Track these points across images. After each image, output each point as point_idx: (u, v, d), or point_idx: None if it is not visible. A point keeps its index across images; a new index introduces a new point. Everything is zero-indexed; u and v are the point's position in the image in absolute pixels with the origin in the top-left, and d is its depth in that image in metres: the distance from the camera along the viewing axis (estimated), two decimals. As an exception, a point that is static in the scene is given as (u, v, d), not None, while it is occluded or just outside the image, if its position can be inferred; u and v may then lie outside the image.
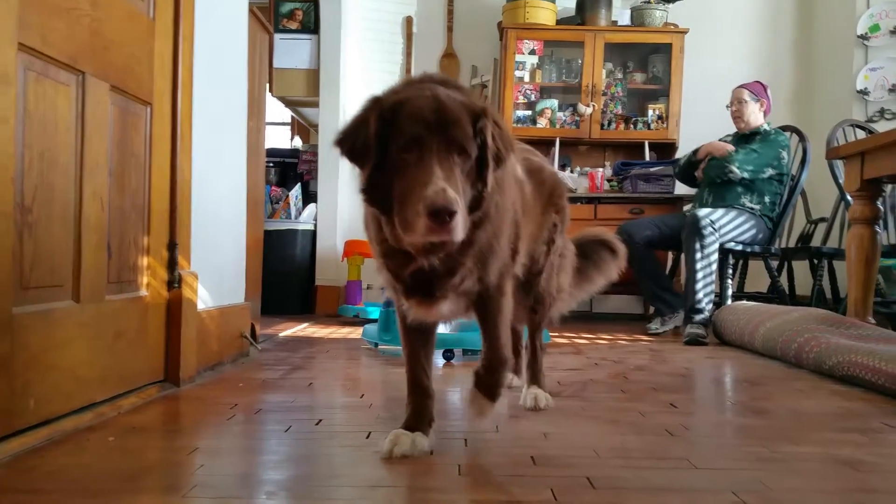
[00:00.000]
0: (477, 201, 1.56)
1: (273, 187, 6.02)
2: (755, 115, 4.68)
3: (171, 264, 2.51)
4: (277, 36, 5.92)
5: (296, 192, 5.91)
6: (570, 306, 2.50)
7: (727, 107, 4.80)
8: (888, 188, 4.32)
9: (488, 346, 1.80)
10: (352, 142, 1.55)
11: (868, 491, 1.49)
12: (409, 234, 1.44)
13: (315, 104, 6.05)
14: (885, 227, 4.40)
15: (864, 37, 5.41)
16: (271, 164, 6.37)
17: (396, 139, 1.48)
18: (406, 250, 1.55)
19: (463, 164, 1.50)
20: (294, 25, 6.03)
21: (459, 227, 1.40)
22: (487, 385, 1.78)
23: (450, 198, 1.37)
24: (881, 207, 3.44)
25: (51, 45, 1.83)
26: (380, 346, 3.49)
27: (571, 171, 5.87)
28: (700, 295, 4.29)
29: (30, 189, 1.77)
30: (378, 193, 1.53)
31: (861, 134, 4.68)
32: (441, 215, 1.36)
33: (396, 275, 1.64)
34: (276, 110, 7.19)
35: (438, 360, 3.20)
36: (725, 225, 4.38)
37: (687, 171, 4.87)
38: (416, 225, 1.40)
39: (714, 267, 4.34)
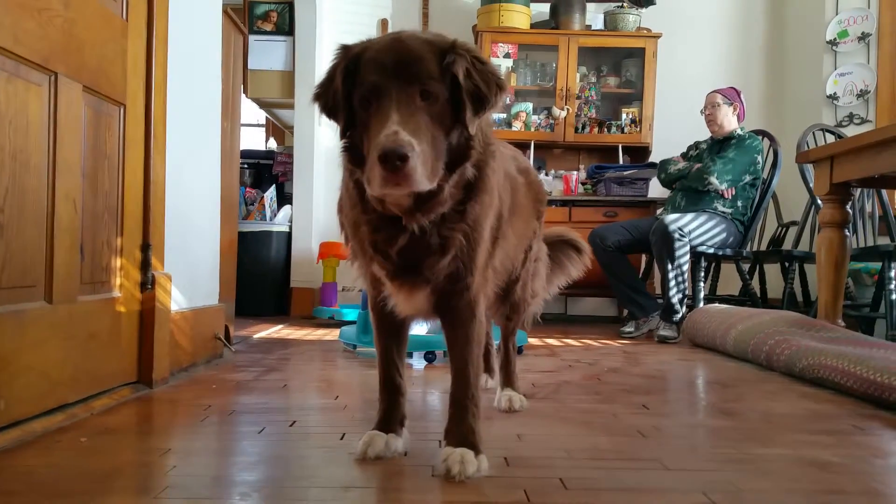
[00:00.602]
0: (461, 151, 1.46)
1: (248, 189, 5.99)
2: (729, 119, 4.74)
3: (145, 265, 2.50)
4: (252, 37, 5.90)
5: (271, 193, 5.89)
6: (541, 307, 2.50)
7: (701, 111, 4.85)
8: (857, 192, 4.39)
9: (459, 384, 1.65)
10: (325, 98, 1.49)
11: (836, 492, 1.51)
12: (371, 189, 1.36)
13: (290, 106, 6.03)
14: (855, 231, 4.47)
15: (833, 42, 5.49)
16: (246, 166, 6.34)
17: (358, 88, 1.41)
18: (395, 223, 1.47)
19: (430, 108, 1.39)
20: (269, 27, 6.02)
21: (418, 173, 1.30)
22: (462, 434, 1.61)
23: (401, 140, 1.28)
24: (850, 211, 3.49)
25: (23, 44, 1.82)
26: (358, 349, 3.48)
27: (546, 174, 5.89)
28: (674, 299, 4.40)
29: (1, 190, 1.75)
30: (356, 154, 1.46)
31: (831, 138, 4.75)
32: (390, 160, 1.27)
33: (384, 253, 1.54)
34: (250, 112, 7.17)
35: (419, 362, 3.20)
36: (695, 230, 4.44)
37: (675, 180, 4.90)
38: (373, 176, 1.32)
39: (685, 269, 4.42)
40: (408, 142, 1.29)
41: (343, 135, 1.48)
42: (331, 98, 1.47)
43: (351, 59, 1.45)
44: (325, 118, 1.53)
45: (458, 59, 1.43)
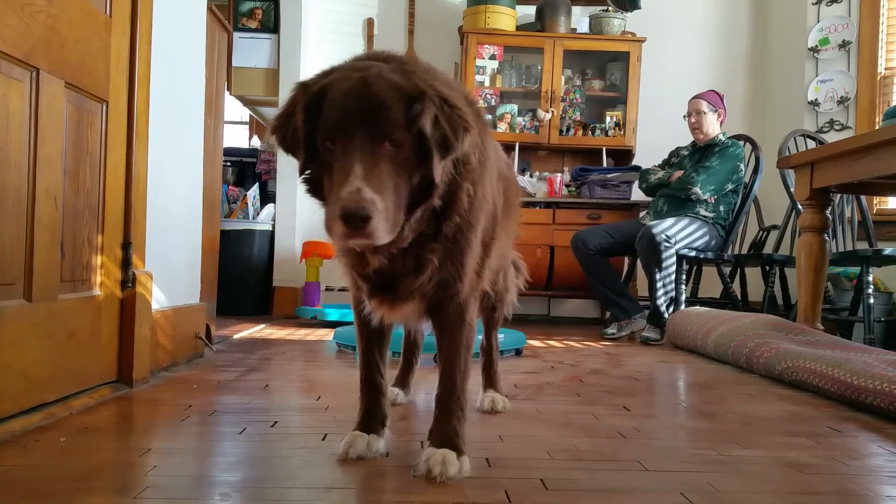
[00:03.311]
0: (424, 192, 1.41)
1: (230, 187, 5.97)
2: (713, 126, 4.77)
3: (125, 264, 2.48)
4: (237, 35, 5.88)
5: (254, 192, 5.86)
6: (516, 296, 2.48)
7: (684, 117, 4.87)
8: (836, 197, 4.44)
9: (445, 387, 1.65)
10: (283, 133, 1.43)
11: (812, 493, 1.53)
12: (331, 237, 1.33)
13: (274, 104, 6.02)
14: (834, 236, 4.51)
15: (814, 49, 5.54)
16: (229, 164, 6.31)
17: (321, 130, 1.36)
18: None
19: (396, 155, 1.34)
20: (254, 24, 5.99)
21: (380, 230, 1.28)
22: (446, 435, 1.61)
23: (363, 200, 1.25)
24: (830, 216, 3.52)
25: (4, 40, 1.80)
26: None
27: (531, 176, 5.91)
28: (660, 302, 4.45)
29: (-19, 186, 1.74)
30: (317, 185, 1.44)
31: (811, 144, 4.79)
32: (352, 221, 1.25)
33: (359, 273, 1.56)
34: (234, 109, 7.13)
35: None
36: (678, 233, 4.47)
37: (656, 188, 4.93)
38: (333, 228, 1.29)
39: (672, 275, 4.47)
40: (370, 200, 1.26)
41: (302, 171, 1.44)
42: (290, 134, 1.42)
43: (311, 97, 1.39)
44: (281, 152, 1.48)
45: (426, 108, 1.36)
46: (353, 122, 1.33)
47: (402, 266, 1.51)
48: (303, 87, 1.43)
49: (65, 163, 2.11)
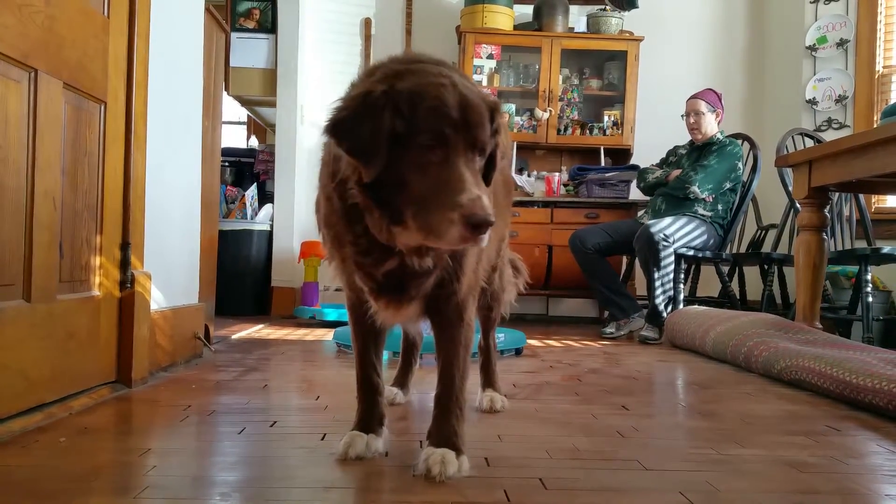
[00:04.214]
0: None
1: (228, 187, 5.97)
2: (711, 126, 4.78)
3: (124, 264, 2.48)
4: (234, 35, 5.87)
5: (252, 192, 5.86)
6: (514, 296, 2.48)
7: (682, 116, 4.87)
8: (835, 196, 4.44)
9: (444, 386, 1.66)
10: (355, 136, 1.37)
11: (810, 492, 1.53)
12: (434, 240, 1.34)
13: (272, 104, 6.01)
14: (832, 235, 4.51)
15: (812, 48, 5.55)
16: (227, 164, 6.31)
17: (416, 136, 1.34)
18: (387, 248, 1.45)
19: (479, 163, 1.42)
20: (251, 24, 5.99)
21: (488, 235, 1.33)
22: (445, 435, 1.61)
23: (488, 209, 1.29)
24: (828, 215, 3.52)
25: (2, 40, 1.80)
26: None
27: (528, 175, 5.92)
28: (659, 301, 4.46)
29: (-21, 187, 1.74)
30: (383, 191, 1.38)
31: (809, 142, 4.79)
32: (482, 227, 1.29)
33: (369, 273, 1.54)
34: (232, 109, 7.13)
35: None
36: (676, 232, 4.47)
37: (654, 188, 4.93)
38: (446, 232, 1.30)
39: (671, 275, 4.47)
40: (490, 209, 1.30)
41: (373, 175, 1.36)
42: (367, 137, 1.35)
43: (402, 102, 1.36)
44: (347, 155, 1.39)
45: (502, 124, 1.45)
46: (457, 130, 1.35)
47: (415, 268, 1.50)
48: (388, 93, 1.37)
49: (63, 163, 2.11)
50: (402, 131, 1.35)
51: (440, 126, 1.34)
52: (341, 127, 1.39)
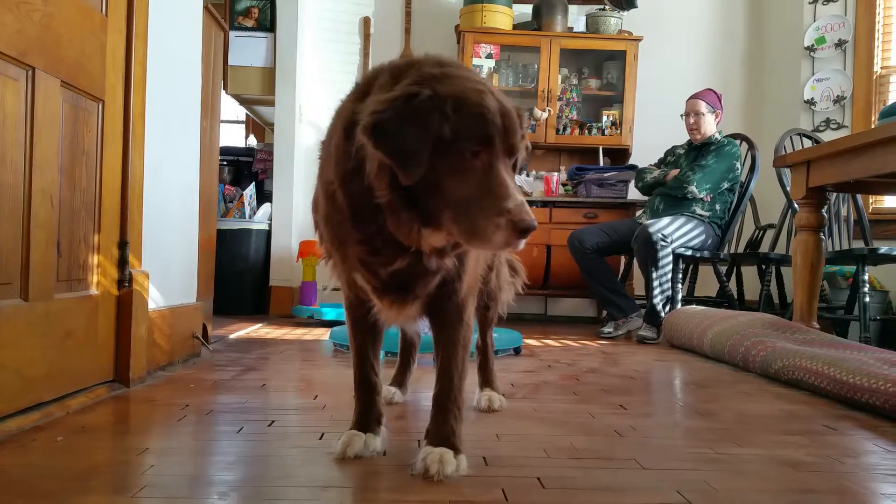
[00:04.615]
0: None
1: (227, 186, 5.96)
2: (710, 126, 4.78)
3: (122, 263, 2.48)
4: (233, 33, 5.86)
5: (250, 191, 5.86)
6: (511, 296, 2.48)
7: (681, 116, 4.87)
8: (832, 196, 4.45)
9: (442, 385, 1.66)
10: (399, 140, 1.33)
11: (808, 491, 1.53)
12: (477, 243, 1.36)
13: (270, 103, 6.00)
14: (830, 235, 4.52)
15: (810, 48, 5.55)
16: (225, 163, 6.30)
17: (460, 141, 1.34)
18: (399, 247, 1.44)
19: (511, 167, 1.46)
20: (250, 23, 5.98)
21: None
22: (443, 434, 1.61)
23: (532, 215, 1.32)
24: (826, 215, 3.53)
25: (0, 38, 1.80)
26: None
27: (527, 175, 5.92)
28: (657, 301, 4.47)
29: (-23, 185, 1.74)
30: (414, 193, 1.37)
31: (808, 143, 4.80)
32: (528, 233, 1.31)
33: (374, 272, 1.53)
34: (230, 108, 7.12)
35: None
36: (674, 232, 4.48)
37: (652, 187, 4.94)
38: (492, 235, 1.31)
39: (669, 274, 4.47)
40: (533, 216, 1.33)
41: (413, 179, 1.34)
42: (411, 143, 1.33)
43: (449, 107, 1.35)
44: (387, 158, 1.35)
45: (526, 132, 1.49)
46: (499, 136, 1.38)
47: (423, 268, 1.50)
48: (434, 98, 1.35)
49: (61, 162, 2.11)
50: (446, 136, 1.34)
51: (487, 132, 1.36)
52: (383, 129, 1.34)
